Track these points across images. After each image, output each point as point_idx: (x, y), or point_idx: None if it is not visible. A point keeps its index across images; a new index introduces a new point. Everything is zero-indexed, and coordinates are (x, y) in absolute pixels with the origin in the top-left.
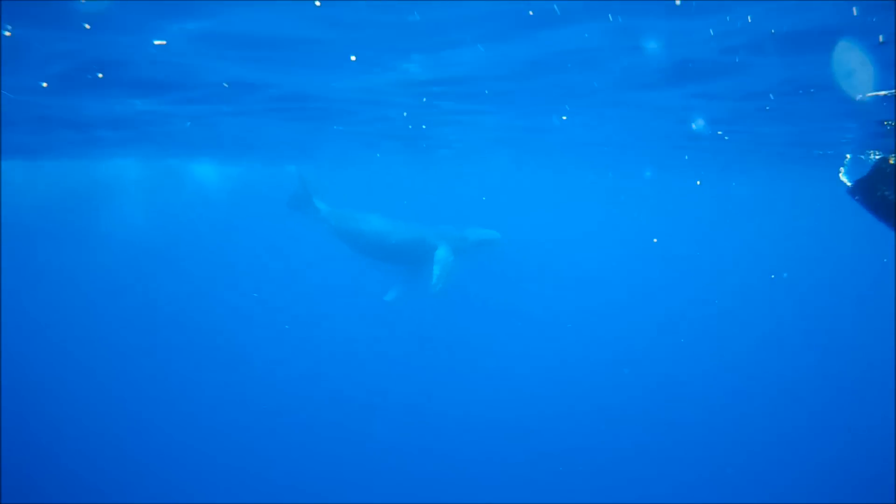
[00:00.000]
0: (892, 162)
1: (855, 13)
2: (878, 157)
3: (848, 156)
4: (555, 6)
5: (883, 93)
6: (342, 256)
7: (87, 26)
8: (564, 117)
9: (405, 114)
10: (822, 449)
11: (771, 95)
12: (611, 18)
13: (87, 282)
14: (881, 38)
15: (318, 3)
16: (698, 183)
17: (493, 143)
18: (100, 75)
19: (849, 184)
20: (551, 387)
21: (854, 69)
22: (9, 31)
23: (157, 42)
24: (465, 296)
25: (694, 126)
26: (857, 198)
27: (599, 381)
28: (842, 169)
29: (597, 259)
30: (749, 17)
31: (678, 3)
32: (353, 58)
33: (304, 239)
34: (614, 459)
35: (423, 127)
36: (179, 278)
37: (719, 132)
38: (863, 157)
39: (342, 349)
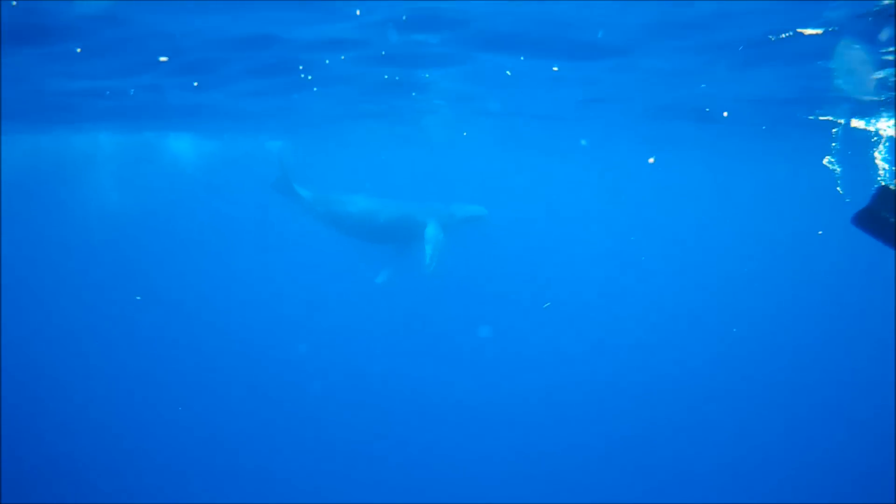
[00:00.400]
0: (892, 188)
1: None
2: (875, 131)
3: (841, 120)
4: None
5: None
6: (328, 238)
7: None
8: (556, 68)
9: (384, 53)
10: (821, 448)
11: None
12: None
13: (59, 261)
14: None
15: None
16: (725, 115)
17: (477, 116)
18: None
19: (836, 169)
20: (546, 377)
21: (854, 68)
22: None
23: None
24: (461, 279)
25: None
26: (860, 226)
27: (595, 373)
28: (828, 157)
29: (590, 245)
30: None
31: None
32: None
33: (287, 219)
34: (610, 455)
35: (397, 78)
36: (149, 259)
37: (703, 85)
38: (855, 123)
39: (331, 333)
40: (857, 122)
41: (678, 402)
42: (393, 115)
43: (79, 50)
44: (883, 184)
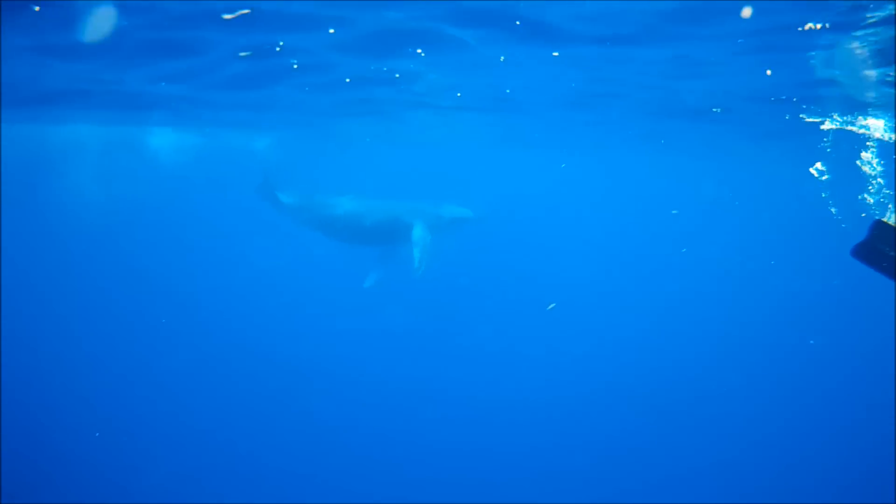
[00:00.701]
0: (889, 223)
1: None
2: (868, 127)
3: (835, 119)
4: None
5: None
6: (314, 240)
7: None
8: (556, 53)
9: (366, 31)
10: (821, 448)
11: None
12: None
13: (33, 252)
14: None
15: None
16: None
17: (466, 111)
18: None
19: (822, 177)
20: (538, 379)
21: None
22: None
23: None
24: (450, 281)
25: None
26: (859, 258)
27: (588, 375)
28: (813, 166)
29: (582, 245)
30: None
31: None
32: None
33: (271, 218)
34: (609, 456)
35: (384, 69)
36: (125, 252)
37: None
38: (845, 123)
39: (318, 333)
40: (849, 124)
41: (679, 401)
42: (379, 112)
43: (37, 9)
44: (880, 219)
